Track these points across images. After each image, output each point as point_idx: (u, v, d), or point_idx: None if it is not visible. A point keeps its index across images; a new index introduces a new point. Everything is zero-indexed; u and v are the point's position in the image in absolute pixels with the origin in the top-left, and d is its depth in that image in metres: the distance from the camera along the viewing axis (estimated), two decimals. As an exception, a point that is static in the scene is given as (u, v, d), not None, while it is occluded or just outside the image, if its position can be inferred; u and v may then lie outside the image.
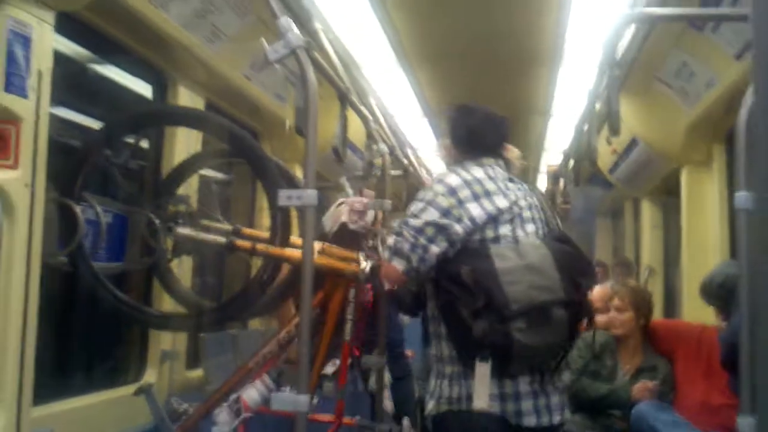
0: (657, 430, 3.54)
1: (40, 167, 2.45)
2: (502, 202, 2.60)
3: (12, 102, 2.32)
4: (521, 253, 2.50)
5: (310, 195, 2.17)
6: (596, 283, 2.77)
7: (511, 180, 2.74)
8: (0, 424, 2.26)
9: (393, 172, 4.10)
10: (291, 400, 2.14)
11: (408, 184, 5.59)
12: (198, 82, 3.76)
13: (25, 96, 2.37)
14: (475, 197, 2.59)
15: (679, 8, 3.18)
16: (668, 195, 5.83)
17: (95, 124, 3.27)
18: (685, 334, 4.08)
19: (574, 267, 2.55)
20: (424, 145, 8.09)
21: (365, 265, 3.05)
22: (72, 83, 3.02)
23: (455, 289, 2.49)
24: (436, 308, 2.64)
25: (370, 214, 3.60)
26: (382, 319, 3.63)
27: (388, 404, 3.77)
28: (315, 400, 2.33)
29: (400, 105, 6.42)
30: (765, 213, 1.18)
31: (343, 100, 3.30)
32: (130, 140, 3.22)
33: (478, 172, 2.68)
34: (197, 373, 3.80)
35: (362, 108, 3.68)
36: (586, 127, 3.82)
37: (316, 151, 2.26)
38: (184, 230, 3.01)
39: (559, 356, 2.58)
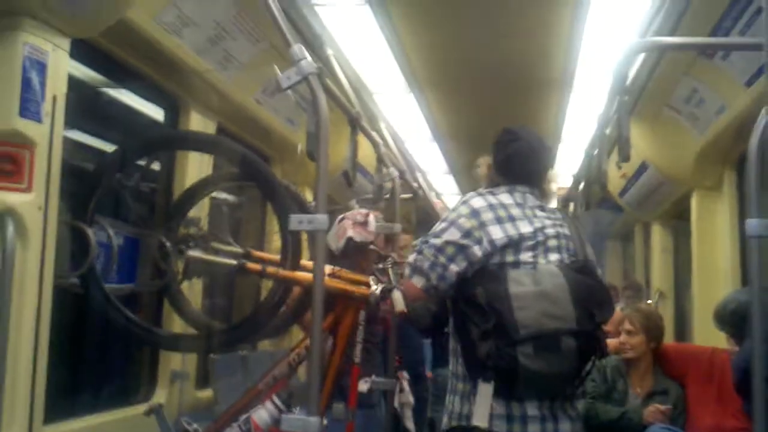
0: (668, 454, 3.51)
1: (53, 191, 2.47)
2: (525, 228, 2.60)
3: (26, 127, 2.35)
4: (537, 279, 2.49)
5: (321, 220, 2.18)
6: (610, 313, 2.74)
7: (542, 209, 2.72)
8: (11, 444, 2.28)
9: (403, 196, 4.12)
10: (301, 422, 2.14)
11: (417, 207, 5.62)
12: (210, 106, 3.80)
13: (39, 121, 2.40)
14: (498, 221, 2.60)
15: (689, 38, 3.19)
16: (678, 219, 5.82)
17: (108, 148, 3.30)
18: (695, 357, 4.06)
19: (591, 298, 2.52)
20: (434, 168, 8.13)
21: (376, 288, 3.05)
22: (86, 108, 3.05)
23: (468, 309, 2.51)
24: (453, 326, 2.66)
25: (372, 225, 3.61)
26: (393, 341, 3.63)
27: (410, 424, 3.76)
28: (325, 422, 2.32)
29: (410, 129, 6.45)
30: (775, 241, 1.18)
31: (354, 124, 3.32)
32: (143, 163, 3.25)
33: (506, 198, 2.68)
34: (207, 393, 3.80)
35: (373, 133, 3.71)
36: (596, 152, 3.83)
37: (327, 176, 2.28)
38: (195, 253, 3.03)
39: (571, 385, 2.57)
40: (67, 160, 2.59)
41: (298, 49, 2.27)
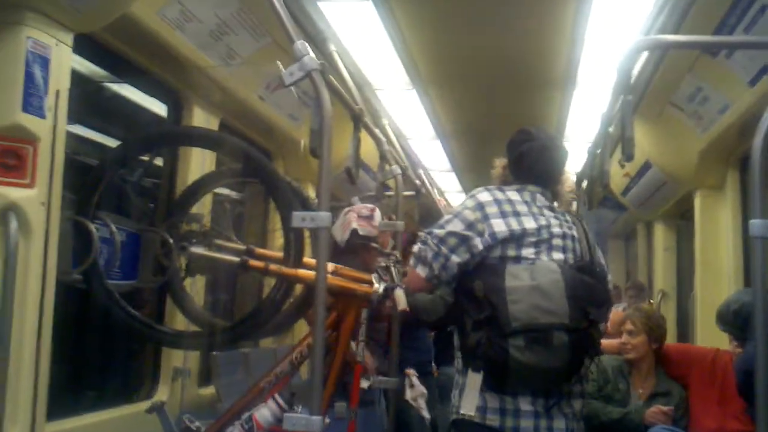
0: (670, 456, 3.50)
1: (56, 186, 2.47)
2: (529, 224, 2.63)
3: (30, 122, 2.35)
4: (533, 274, 2.52)
5: (324, 217, 2.18)
6: (607, 313, 2.75)
7: (551, 209, 2.75)
8: (14, 440, 2.28)
9: (405, 193, 4.11)
10: (304, 420, 2.15)
11: (420, 205, 5.60)
12: (213, 102, 3.80)
13: (42, 116, 2.40)
14: (502, 215, 2.63)
15: (692, 36, 3.18)
16: (681, 219, 5.82)
17: (111, 143, 3.30)
18: (698, 358, 4.05)
19: (588, 297, 2.54)
20: (437, 166, 8.11)
21: (378, 286, 3.05)
22: (89, 103, 3.05)
23: (466, 301, 2.56)
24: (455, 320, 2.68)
25: (377, 220, 3.61)
26: (395, 339, 3.63)
27: (426, 414, 3.78)
28: (327, 420, 2.32)
29: (413, 126, 6.43)
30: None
31: (357, 121, 3.32)
32: (145, 159, 3.25)
33: (514, 195, 2.71)
34: (209, 390, 3.80)
35: (375, 129, 3.70)
36: (599, 151, 3.82)
37: (330, 173, 2.27)
38: (197, 249, 3.02)
39: (566, 381, 2.57)
40: (70, 156, 2.59)
41: (301, 45, 2.27)
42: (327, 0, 3.80)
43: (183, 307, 3.28)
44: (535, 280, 2.49)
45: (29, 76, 2.35)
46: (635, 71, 3.84)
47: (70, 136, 2.65)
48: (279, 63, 2.31)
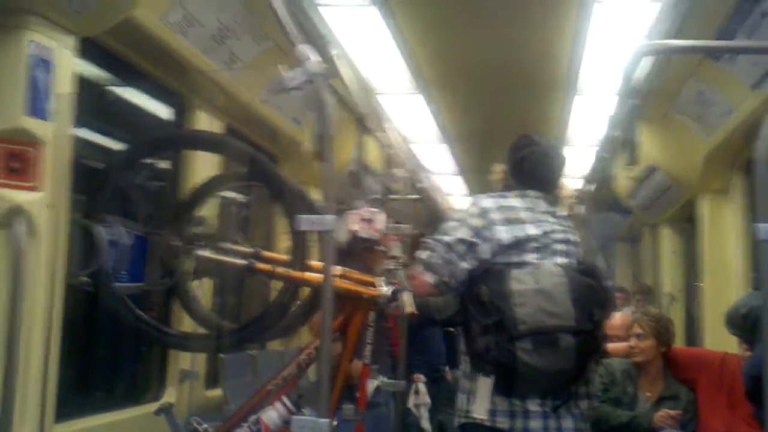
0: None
1: (62, 189, 2.48)
2: (532, 230, 2.65)
3: (34, 125, 2.36)
4: (537, 278, 2.54)
5: (330, 220, 2.19)
6: (609, 314, 2.77)
7: (552, 214, 2.77)
8: (23, 441, 2.29)
9: (410, 196, 4.12)
10: (311, 423, 2.15)
11: (425, 208, 5.61)
12: (217, 106, 3.81)
13: (46, 119, 2.40)
14: (506, 222, 2.65)
15: (695, 40, 3.19)
16: (687, 222, 5.80)
17: (117, 146, 3.32)
18: (706, 362, 4.04)
19: (591, 298, 2.57)
20: (442, 169, 8.12)
21: (385, 289, 3.06)
22: (95, 107, 3.07)
23: (473, 307, 2.58)
24: (462, 325, 2.71)
25: (380, 223, 3.61)
26: (403, 342, 3.63)
27: (426, 425, 3.77)
28: (335, 423, 2.33)
29: (417, 130, 6.44)
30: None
31: (361, 125, 3.33)
32: (151, 162, 3.26)
33: (516, 201, 2.73)
34: (216, 392, 3.81)
35: (380, 133, 3.71)
36: (605, 155, 3.83)
37: (335, 177, 2.28)
38: (204, 252, 3.04)
39: (573, 383, 2.59)
40: (76, 159, 2.60)
41: (304, 49, 2.28)
42: (329, 5, 3.81)
43: (190, 310, 3.29)
44: (539, 284, 2.52)
45: (32, 80, 2.35)
46: (639, 75, 3.84)
47: (76, 139, 2.66)
48: (281, 67, 2.32)
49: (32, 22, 2.35)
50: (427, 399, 3.75)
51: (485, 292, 2.53)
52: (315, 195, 4.09)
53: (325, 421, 2.13)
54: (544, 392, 2.56)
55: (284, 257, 3.14)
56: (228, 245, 3.15)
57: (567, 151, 6.94)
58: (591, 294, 2.58)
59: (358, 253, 3.55)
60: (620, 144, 3.55)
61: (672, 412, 3.78)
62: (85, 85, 2.77)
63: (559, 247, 2.68)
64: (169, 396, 3.47)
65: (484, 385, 2.55)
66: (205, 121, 3.74)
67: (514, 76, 5.13)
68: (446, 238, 2.66)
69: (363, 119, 3.30)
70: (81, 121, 2.71)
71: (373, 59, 4.66)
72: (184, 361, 3.56)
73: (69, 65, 2.52)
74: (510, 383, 2.52)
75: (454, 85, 5.37)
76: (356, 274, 3.18)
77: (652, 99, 4.34)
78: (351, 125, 3.33)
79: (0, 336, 2.23)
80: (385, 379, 3.53)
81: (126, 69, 3.27)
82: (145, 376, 3.62)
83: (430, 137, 6.71)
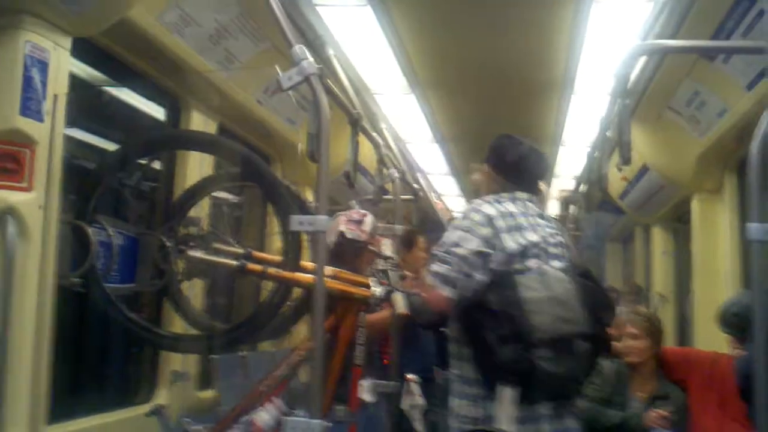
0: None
1: (54, 190, 2.47)
2: (532, 237, 2.65)
3: (27, 125, 2.35)
4: (547, 285, 2.54)
5: (322, 221, 2.18)
6: (614, 316, 2.79)
7: (542, 216, 2.78)
8: (14, 444, 2.27)
9: (403, 197, 4.12)
10: (303, 424, 2.14)
11: (418, 209, 5.61)
12: (211, 106, 3.79)
13: (40, 120, 2.40)
14: (509, 229, 2.64)
15: (690, 40, 3.19)
16: (679, 222, 5.82)
17: (110, 147, 3.30)
18: (697, 362, 4.04)
19: (597, 302, 2.61)
20: (435, 170, 8.12)
21: (378, 290, 3.05)
22: (87, 107, 3.05)
23: (481, 315, 2.53)
24: (459, 331, 2.67)
25: (368, 225, 3.60)
26: (396, 343, 3.63)
27: (419, 427, 3.76)
28: (328, 424, 2.32)
29: (411, 130, 6.44)
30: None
31: (355, 125, 3.32)
32: (144, 163, 3.25)
33: (511, 206, 2.72)
34: (208, 393, 3.80)
35: (374, 133, 3.70)
36: (597, 155, 3.83)
37: (328, 177, 2.28)
38: (195, 253, 3.02)
39: (581, 384, 2.62)
40: (68, 159, 2.58)
41: (300, 49, 2.27)
42: (325, 5, 3.80)
43: (181, 311, 3.28)
44: (551, 291, 2.52)
45: (27, 80, 2.34)
46: (633, 75, 3.84)
47: (69, 139, 2.65)
48: (277, 67, 2.31)
49: (28, 22, 2.34)
50: (421, 400, 3.74)
51: (495, 300, 2.50)
52: (309, 195, 4.09)
53: (317, 422, 2.13)
54: (555, 396, 2.57)
55: (276, 258, 3.14)
56: (220, 246, 3.15)
57: (562, 152, 6.98)
58: (595, 297, 2.61)
59: (345, 253, 3.55)
60: (613, 144, 3.54)
61: (663, 412, 3.79)
62: (77, 84, 2.76)
63: (554, 250, 2.70)
64: (161, 397, 3.46)
65: (508, 395, 2.48)
66: (199, 122, 3.73)
67: (508, 76, 5.13)
68: (460, 251, 2.60)
69: (358, 119, 3.28)
70: (73, 121, 2.70)
71: (368, 59, 4.66)
72: (175, 362, 3.55)
73: (64, 66, 2.51)
74: (527, 390, 2.49)
75: (448, 85, 5.37)
76: (348, 275, 3.18)
77: (646, 99, 4.35)
78: (345, 125, 3.31)
79: (-10, 337, 2.22)
80: (377, 381, 3.52)
81: (120, 68, 3.26)
82: (137, 377, 3.61)
83: (424, 137, 6.71)
